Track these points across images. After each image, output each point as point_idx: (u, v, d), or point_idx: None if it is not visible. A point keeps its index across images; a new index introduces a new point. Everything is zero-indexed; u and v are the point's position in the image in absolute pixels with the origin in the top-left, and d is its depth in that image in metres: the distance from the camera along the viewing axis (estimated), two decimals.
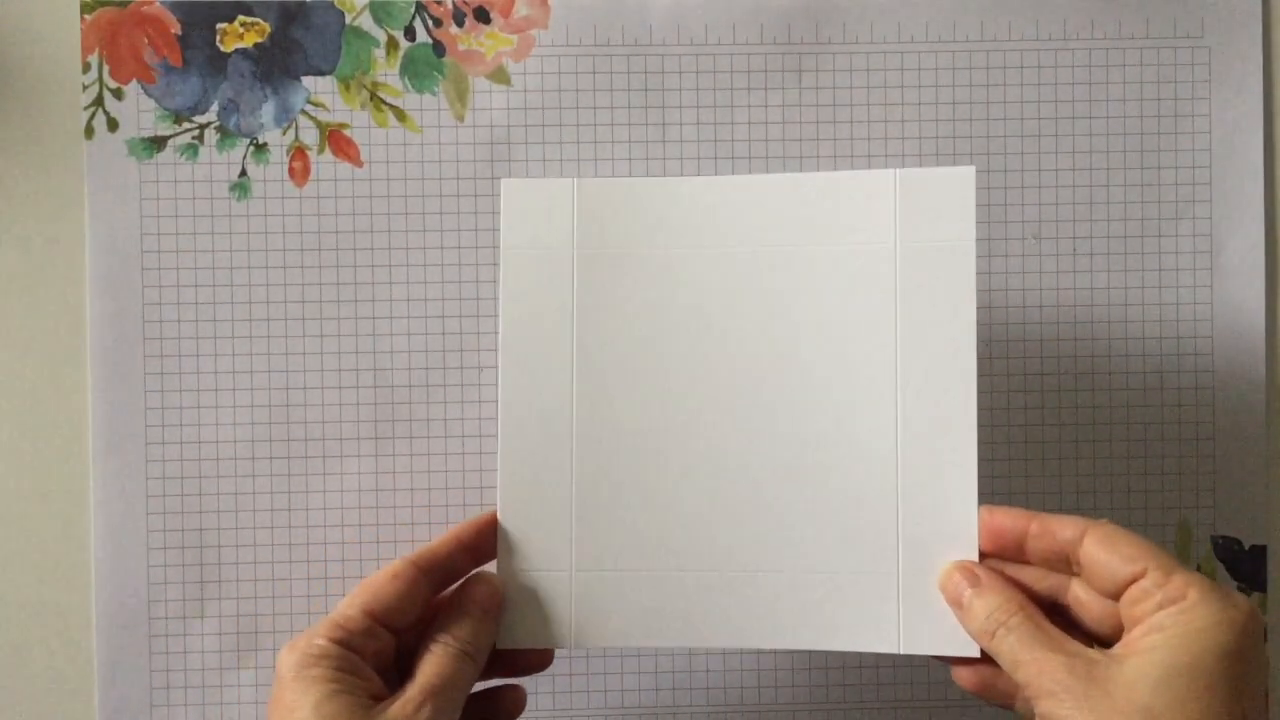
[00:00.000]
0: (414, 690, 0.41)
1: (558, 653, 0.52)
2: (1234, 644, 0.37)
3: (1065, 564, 0.41)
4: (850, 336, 0.44)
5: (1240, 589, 0.53)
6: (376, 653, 0.42)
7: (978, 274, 0.52)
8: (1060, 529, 0.41)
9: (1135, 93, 0.53)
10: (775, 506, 0.44)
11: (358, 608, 0.42)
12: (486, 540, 0.44)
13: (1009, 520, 0.42)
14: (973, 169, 0.43)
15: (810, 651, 0.52)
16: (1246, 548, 0.53)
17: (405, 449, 0.52)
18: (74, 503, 0.51)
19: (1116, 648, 0.39)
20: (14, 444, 0.52)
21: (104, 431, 0.51)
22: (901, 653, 0.43)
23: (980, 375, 0.52)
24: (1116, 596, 0.40)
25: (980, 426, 0.52)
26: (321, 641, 0.41)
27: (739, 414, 0.44)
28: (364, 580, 0.43)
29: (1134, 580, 0.39)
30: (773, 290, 0.44)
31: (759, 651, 0.52)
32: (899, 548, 0.43)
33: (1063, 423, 0.53)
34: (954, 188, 0.43)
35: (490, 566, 0.44)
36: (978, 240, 0.52)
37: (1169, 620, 0.38)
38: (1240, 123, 0.53)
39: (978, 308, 0.52)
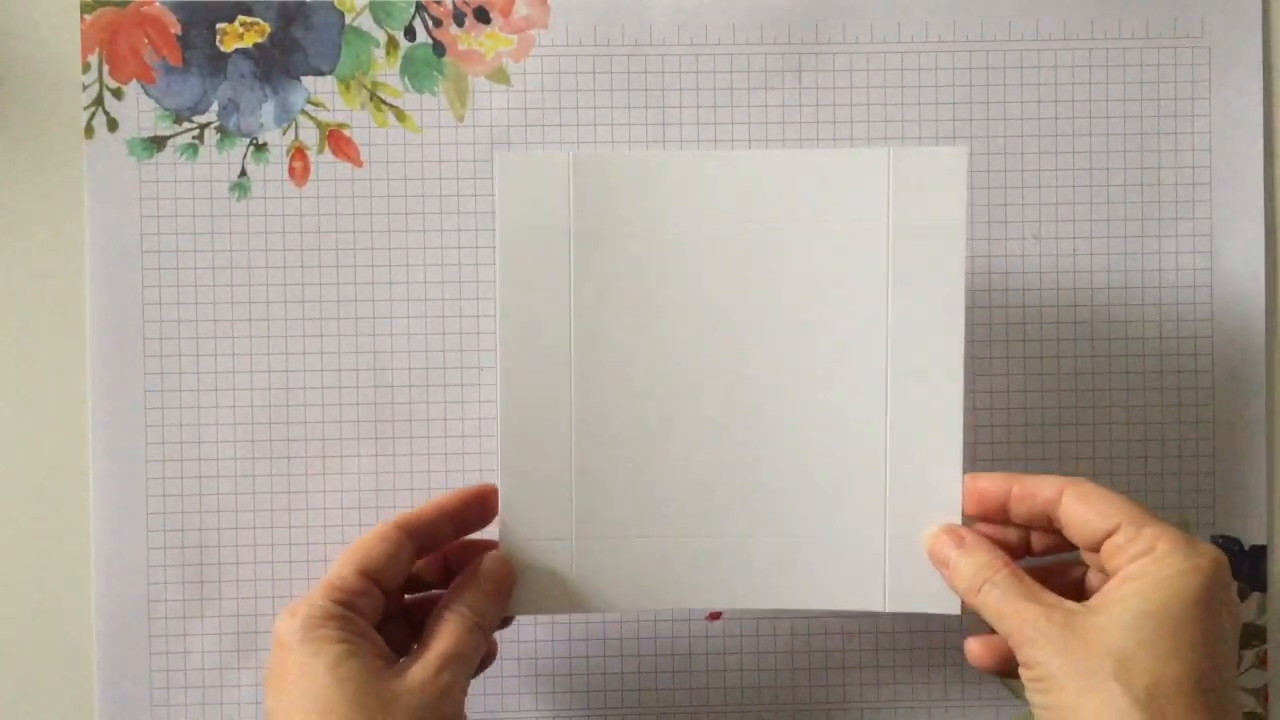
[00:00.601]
0: (432, 655, 0.41)
1: (556, 653, 0.52)
2: (1200, 591, 0.39)
3: (1047, 522, 0.43)
4: (842, 310, 0.45)
5: (1241, 589, 0.53)
6: (372, 613, 0.42)
7: (977, 273, 0.52)
8: (1040, 489, 0.43)
9: (1135, 93, 0.53)
10: (769, 473, 0.46)
11: (352, 568, 0.42)
12: (469, 511, 0.46)
13: (991, 484, 0.44)
14: (965, 149, 0.44)
15: (810, 650, 0.52)
16: (1246, 548, 0.53)
17: (405, 449, 0.52)
18: (74, 503, 0.51)
19: (1093, 599, 0.40)
20: (14, 444, 0.52)
21: (104, 431, 0.51)
22: (887, 611, 0.45)
23: (980, 375, 0.52)
24: (1095, 551, 0.42)
25: (979, 426, 0.52)
26: (324, 603, 0.41)
27: (733, 385, 0.46)
28: (353, 543, 0.43)
29: (1109, 535, 0.41)
30: (767, 264, 0.45)
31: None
32: (886, 512, 0.45)
33: (1062, 422, 0.53)
34: (946, 167, 0.44)
35: (489, 532, 0.45)
36: (979, 240, 0.52)
37: (1140, 570, 0.40)
38: (1240, 123, 0.53)
39: (977, 307, 0.52)
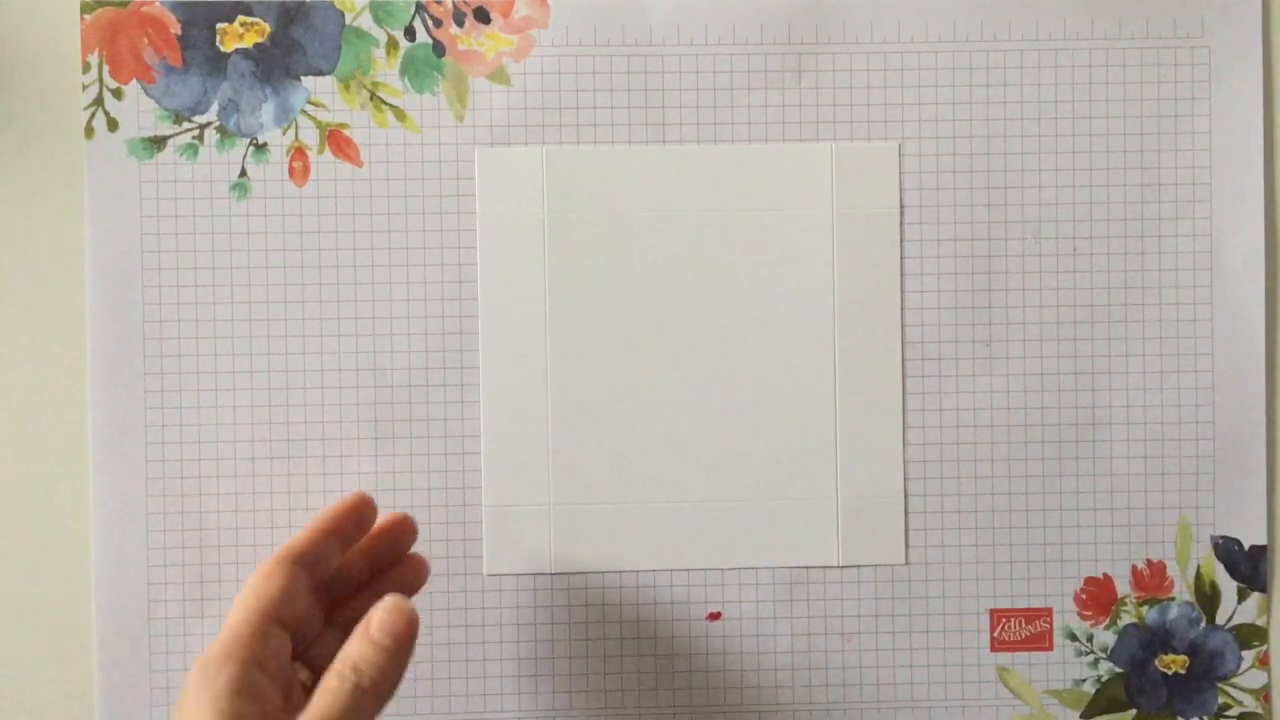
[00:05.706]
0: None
1: (555, 653, 0.52)
2: None
3: None
4: (793, 290, 0.51)
5: (1240, 589, 0.53)
6: (277, 652, 0.41)
7: (977, 273, 0.52)
8: None
9: (1135, 93, 0.53)
10: (731, 443, 0.51)
11: (245, 613, 0.41)
12: (349, 523, 0.45)
13: None
14: (896, 144, 0.51)
15: (810, 650, 0.52)
16: (1246, 548, 0.53)
17: (405, 449, 0.52)
18: (74, 503, 0.51)
19: None
20: (14, 444, 0.52)
21: (104, 431, 0.51)
22: (839, 565, 0.51)
23: (980, 375, 0.52)
24: None
25: (979, 426, 0.52)
26: (220, 651, 0.40)
27: (696, 360, 0.51)
28: (245, 585, 0.42)
29: None
30: (723, 249, 0.51)
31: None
32: (838, 475, 0.51)
33: (1063, 423, 0.53)
34: (881, 160, 0.51)
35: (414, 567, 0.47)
36: (979, 240, 0.52)
37: None
38: (1240, 123, 0.53)
39: (977, 307, 0.52)
